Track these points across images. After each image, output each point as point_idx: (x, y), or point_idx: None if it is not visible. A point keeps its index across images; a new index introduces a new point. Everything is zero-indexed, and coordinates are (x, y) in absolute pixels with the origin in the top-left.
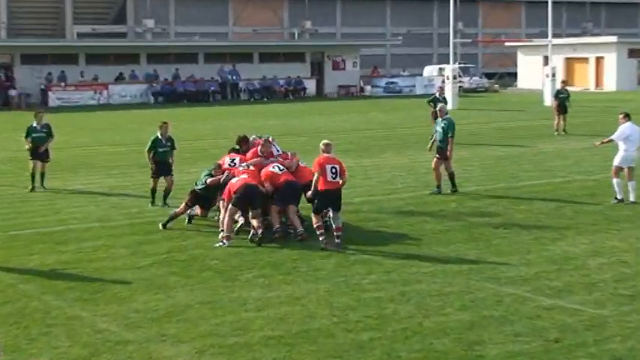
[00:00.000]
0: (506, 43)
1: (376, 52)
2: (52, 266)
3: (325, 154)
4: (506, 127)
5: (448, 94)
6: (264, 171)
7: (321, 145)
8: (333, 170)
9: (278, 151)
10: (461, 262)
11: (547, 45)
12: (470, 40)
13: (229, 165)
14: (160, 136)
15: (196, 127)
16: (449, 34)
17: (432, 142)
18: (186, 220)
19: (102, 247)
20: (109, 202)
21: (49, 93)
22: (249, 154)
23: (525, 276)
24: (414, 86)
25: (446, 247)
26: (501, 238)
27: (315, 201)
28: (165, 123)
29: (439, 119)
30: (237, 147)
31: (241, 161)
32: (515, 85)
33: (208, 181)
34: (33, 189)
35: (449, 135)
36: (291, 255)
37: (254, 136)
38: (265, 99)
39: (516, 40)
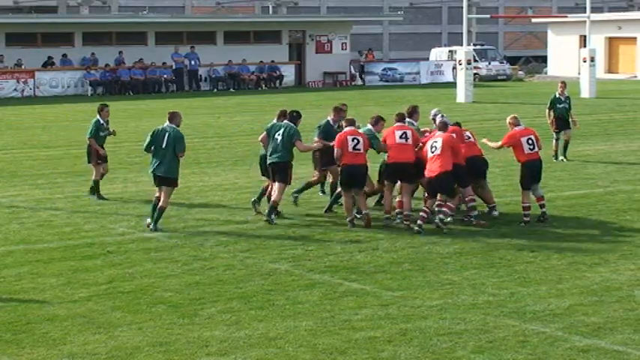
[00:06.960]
0: (534, 20)
1: (371, 30)
2: None
3: (517, 128)
4: (534, 125)
5: (460, 84)
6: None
7: (509, 119)
8: (530, 142)
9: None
10: (476, 293)
11: (584, 22)
12: (488, 16)
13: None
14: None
15: (144, 125)
16: (462, 8)
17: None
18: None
19: (27, 275)
20: (35, 219)
21: None
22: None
23: (556, 310)
24: (417, 73)
25: (457, 275)
26: (527, 263)
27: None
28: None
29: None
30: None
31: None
32: (545, 72)
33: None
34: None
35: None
36: (265, 285)
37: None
38: (232, 89)
39: (546, 16)
